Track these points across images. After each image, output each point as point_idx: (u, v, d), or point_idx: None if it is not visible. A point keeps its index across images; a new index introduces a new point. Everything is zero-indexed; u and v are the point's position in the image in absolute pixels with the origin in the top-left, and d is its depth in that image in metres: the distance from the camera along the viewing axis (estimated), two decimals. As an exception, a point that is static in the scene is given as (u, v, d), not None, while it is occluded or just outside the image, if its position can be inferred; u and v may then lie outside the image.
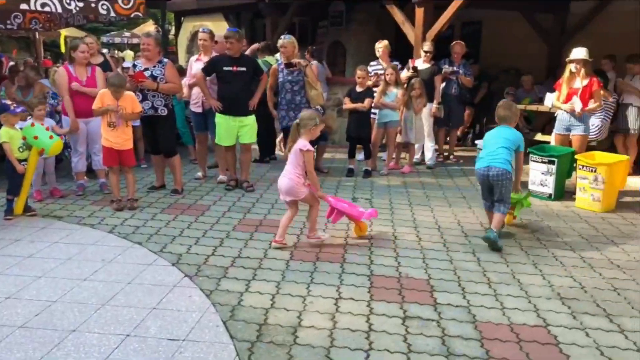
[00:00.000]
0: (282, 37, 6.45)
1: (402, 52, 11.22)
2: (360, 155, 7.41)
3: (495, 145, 4.68)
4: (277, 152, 8.03)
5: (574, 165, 5.95)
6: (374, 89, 7.19)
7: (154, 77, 5.82)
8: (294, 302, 3.51)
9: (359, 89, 6.93)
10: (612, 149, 7.14)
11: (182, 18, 14.49)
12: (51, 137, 5.23)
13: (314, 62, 9.05)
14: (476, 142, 7.08)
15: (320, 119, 4.55)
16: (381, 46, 7.63)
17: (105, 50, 10.46)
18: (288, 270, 4.03)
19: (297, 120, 4.52)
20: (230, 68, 5.99)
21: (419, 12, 7.70)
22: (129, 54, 10.68)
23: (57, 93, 6.34)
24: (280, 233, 4.50)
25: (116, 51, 16.25)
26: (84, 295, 3.57)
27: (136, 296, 3.57)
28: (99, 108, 5.30)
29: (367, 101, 6.85)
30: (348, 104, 6.95)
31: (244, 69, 6.06)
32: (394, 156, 7.58)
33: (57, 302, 3.48)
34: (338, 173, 7.30)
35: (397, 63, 7.67)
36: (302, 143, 4.40)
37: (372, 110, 7.16)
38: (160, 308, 3.41)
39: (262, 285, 3.76)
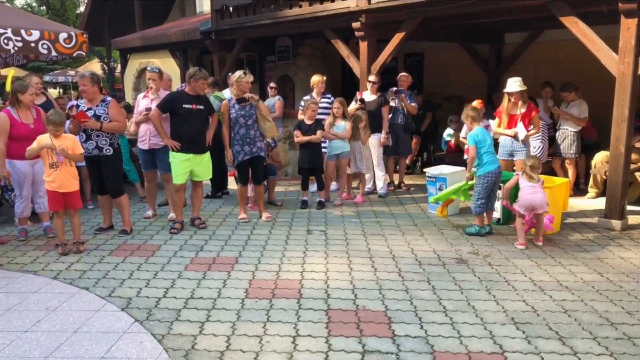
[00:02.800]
0: (243, 73, 6.34)
1: (349, 84, 11.43)
2: (313, 187, 7.42)
3: (491, 147, 5.71)
4: (229, 187, 7.95)
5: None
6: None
7: (97, 117, 5.67)
8: (250, 343, 3.42)
9: (308, 121, 6.99)
10: (551, 172, 7.44)
11: (128, 55, 14.34)
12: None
13: (279, 97, 9.13)
14: (425, 170, 7.21)
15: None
16: (319, 80, 7.73)
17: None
18: (243, 309, 3.94)
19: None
20: (190, 106, 5.96)
21: (363, 46, 7.91)
22: (54, 93, 10.40)
23: None
24: (521, 236, 5.35)
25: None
26: (25, 349, 3.37)
27: (83, 346, 3.40)
28: (32, 148, 5.08)
29: (319, 133, 6.92)
30: (300, 137, 6.98)
31: (202, 107, 6.07)
32: (346, 187, 7.63)
33: (-4, 358, 3.27)
34: (291, 205, 7.27)
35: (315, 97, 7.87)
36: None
37: (323, 146, 7.22)
38: (109, 357, 3.25)
39: (217, 326, 3.66)
